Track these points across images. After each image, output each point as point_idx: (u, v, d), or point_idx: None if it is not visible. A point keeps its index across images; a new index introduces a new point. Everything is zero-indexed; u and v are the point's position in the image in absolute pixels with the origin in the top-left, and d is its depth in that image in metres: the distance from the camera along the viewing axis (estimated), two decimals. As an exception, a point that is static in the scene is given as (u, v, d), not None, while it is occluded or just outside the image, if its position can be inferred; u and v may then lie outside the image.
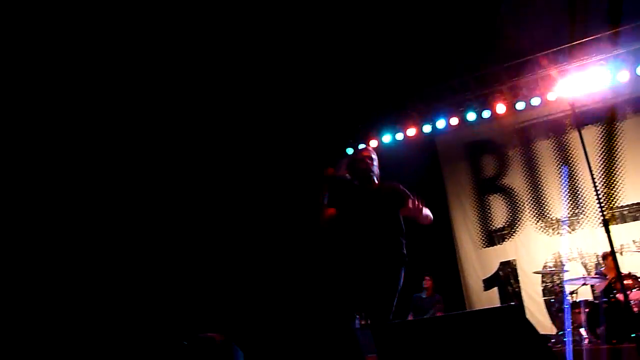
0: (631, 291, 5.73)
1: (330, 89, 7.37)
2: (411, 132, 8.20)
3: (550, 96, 7.39)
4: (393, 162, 8.25)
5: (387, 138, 8.29)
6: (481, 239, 8.12)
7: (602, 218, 3.53)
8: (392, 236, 3.47)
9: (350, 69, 7.10)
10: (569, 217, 7.55)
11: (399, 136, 8.27)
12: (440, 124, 8.02)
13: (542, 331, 6.99)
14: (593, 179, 3.63)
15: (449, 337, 3.01)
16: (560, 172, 7.71)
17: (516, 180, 8.02)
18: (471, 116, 7.84)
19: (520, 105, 7.60)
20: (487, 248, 8.04)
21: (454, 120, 7.97)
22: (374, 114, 8.32)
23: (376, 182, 3.64)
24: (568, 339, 5.42)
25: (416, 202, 3.34)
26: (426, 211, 3.47)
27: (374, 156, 3.73)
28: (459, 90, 7.82)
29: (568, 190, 7.62)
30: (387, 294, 3.35)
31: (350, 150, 8.17)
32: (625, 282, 5.81)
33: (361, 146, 4.12)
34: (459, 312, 2.98)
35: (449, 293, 7.84)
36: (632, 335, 4.77)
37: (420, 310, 7.50)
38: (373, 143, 8.41)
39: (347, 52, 6.84)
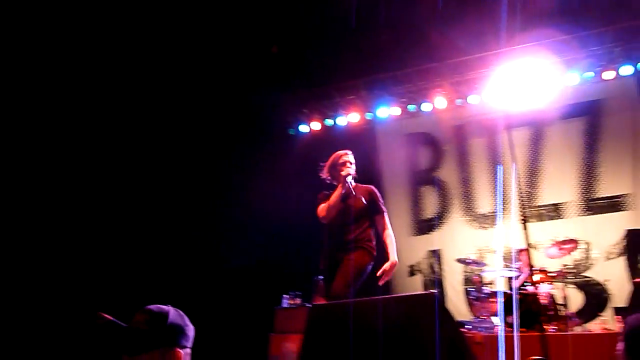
0: (541, 284, 6.22)
1: (275, 69, 7.33)
2: (354, 117, 8.32)
3: (486, 97, 7.74)
4: (334, 145, 8.42)
5: (329, 122, 8.40)
6: (411, 227, 8.43)
7: (521, 214, 3.76)
8: (364, 232, 4.04)
9: (298, 50, 7.08)
10: (493, 213, 8.00)
11: (342, 121, 8.38)
12: (383, 112, 8.19)
13: (459, 317, 7.42)
14: (517, 178, 3.85)
15: (371, 320, 3.14)
16: (491, 170, 8.11)
17: (449, 174, 8.37)
18: (411, 108, 8.08)
19: (458, 102, 7.93)
20: (415, 236, 8.36)
21: (396, 111, 8.17)
22: (319, 98, 8.36)
23: (353, 184, 4.07)
24: (501, 326, 5.76)
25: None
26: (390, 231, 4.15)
27: (352, 160, 4.17)
28: (403, 82, 8.00)
29: (495, 187, 8.05)
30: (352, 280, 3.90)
31: (292, 131, 8.23)
32: (536, 276, 6.29)
33: (341, 152, 4.33)
34: (383, 296, 3.12)
35: (376, 277, 8.08)
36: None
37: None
38: (315, 125, 8.47)
39: (293, 33, 6.81)
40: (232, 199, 7.89)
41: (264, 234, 7.88)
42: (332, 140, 8.45)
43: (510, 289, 6.68)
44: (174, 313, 1.79)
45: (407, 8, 6.63)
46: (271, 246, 7.99)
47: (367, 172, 8.51)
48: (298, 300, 6.71)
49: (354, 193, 4.03)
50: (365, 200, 4.07)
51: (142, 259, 6.59)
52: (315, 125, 8.49)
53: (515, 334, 5.65)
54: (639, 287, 5.15)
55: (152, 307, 1.78)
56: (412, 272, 8.23)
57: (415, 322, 3.14)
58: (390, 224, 8.38)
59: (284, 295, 6.90)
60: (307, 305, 5.97)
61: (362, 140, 8.63)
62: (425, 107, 8.05)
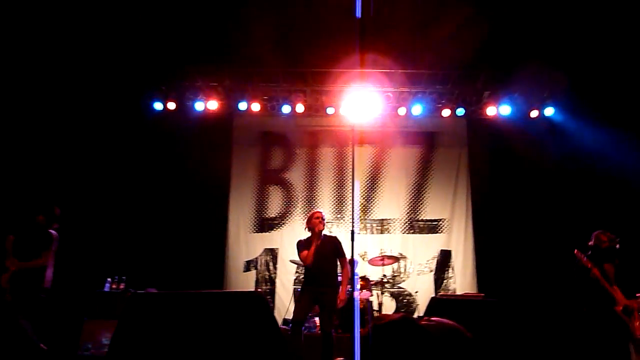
0: (362, 291, 6.74)
1: (140, 41, 6.91)
2: (212, 105, 8.15)
3: (342, 111, 8.20)
4: (188, 130, 8.17)
5: (189, 104, 8.12)
6: (253, 223, 8.50)
7: (354, 225, 4.04)
8: (332, 269, 5.36)
9: (166, 24, 6.74)
10: (331, 220, 8.46)
11: (200, 106, 8.14)
12: (243, 106, 8.16)
13: (286, 316, 7.69)
14: (353, 191, 4.15)
15: (194, 313, 3.11)
16: (336, 179, 8.57)
17: (297, 177, 8.64)
18: (272, 107, 8.20)
19: (316, 111, 8.29)
20: (255, 233, 8.46)
21: (256, 106, 8.20)
22: (179, 78, 8.02)
23: (322, 236, 5.40)
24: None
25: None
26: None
27: (325, 217, 5.52)
28: (268, 80, 8.06)
29: (337, 196, 8.53)
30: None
31: (157, 105, 8.10)
32: (359, 282, 6.80)
33: (317, 212, 5.57)
34: (209, 290, 3.10)
35: (212, 269, 8.01)
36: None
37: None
38: (171, 105, 8.11)
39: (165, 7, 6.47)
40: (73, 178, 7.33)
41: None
42: (184, 123, 8.19)
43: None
44: None
45: (289, 11, 6.71)
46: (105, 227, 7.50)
47: (218, 163, 8.46)
48: (122, 285, 6.33)
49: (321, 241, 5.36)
50: (331, 248, 5.37)
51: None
52: (171, 105, 8.12)
53: (356, 334, 6.06)
54: (434, 303, 5.92)
55: None
56: (248, 267, 8.30)
57: (239, 318, 3.18)
58: (233, 218, 8.48)
59: (108, 279, 6.46)
60: (132, 291, 5.66)
61: (217, 130, 8.51)
62: (285, 108, 8.22)
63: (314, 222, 5.42)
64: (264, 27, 6.82)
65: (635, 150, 7.14)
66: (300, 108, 8.20)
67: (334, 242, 5.42)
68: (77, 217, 7.29)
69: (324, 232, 5.44)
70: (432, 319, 1.69)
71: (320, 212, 5.56)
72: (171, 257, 7.67)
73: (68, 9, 6.27)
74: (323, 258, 5.27)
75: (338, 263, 5.39)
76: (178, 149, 8.16)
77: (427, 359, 1.33)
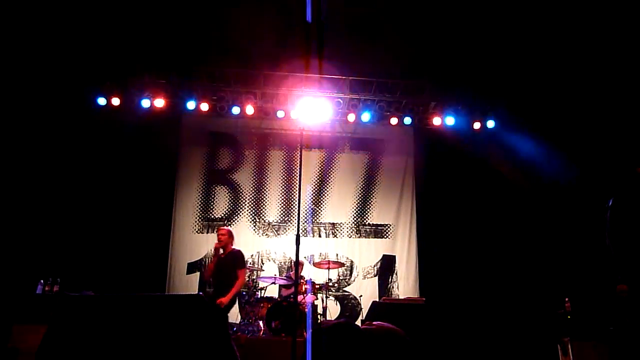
0: (306, 294, 6.76)
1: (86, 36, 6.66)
2: (159, 102, 7.95)
3: (292, 114, 8.23)
4: (133, 127, 7.91)
5: (135, 100, 7.88)
6: (197, 224, 8.34)
7: (299, 228, 4.05)
8: (232, 281, 5.85)
9: (115, 19, 6.52)
10: (278, 223, 8.44)
11: (146, 103, 7.91)
12: (191, 105, 8.01)
13: (229, 319, 7.57)
14: (299, 195, 4.16)
15: (132, 317, 3.00)
16: (284, 182, 8.56)
17: (244, 178, 8.57)
18: (222, 108, 8.10)
19: (266, 113, 8.27)
20: (200, 234, 8.30)
21: (205, 106, 8.08)
22: (125, 73, 7.77)
23: (226, 250, 6.03)
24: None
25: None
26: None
27: (231, 234, 6.14)
28: (218, 80, 7.96)
29: (284, 199, 8.52)
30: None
31: (101, 100, 7.83)
32: (303, 287, 6.82)
33: (222, 229, 6.20)
34: (149, 293, 3.00)
35: (154, 271, 7.78)
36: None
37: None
38: (115, 101, 7.84)
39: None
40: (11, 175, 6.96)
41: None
42: (129, 120, 7.92)
43: (280, 296, 7.10)
44: None
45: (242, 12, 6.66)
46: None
47: (164, 162, 8.24)
48: (56, 288, 6.03)
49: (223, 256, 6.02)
50: (232, 261, 5.96)
51: None
52: (115, 101, 7.84)
53: (273, 338, 6.04)
54: (376, 306, 6.03)
55: None
56: (192, 269, 8.13)
57: (180, 322, 3.11)
58: (177, 219, 8.28)
59: (41, 281, 6.14)
60: (68, 294, 5.40)
61: (164, 128, 8.29)
62: (235, 109, 8.14)
63: (220, 237, 6.03)
64: (215, 26, 6.75)
65: (564, 159, 7.63)
66: (250, 110, 8.14)
67: (234, 256, 6.00)
68: (9, 215, 6.94)
69: (232, 247, 6.05)
70: (373, 323, 1.73)
71: (223, 229, 6.14)
72: (111, 259, 7.39)
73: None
74: (221, 271, 5.89)
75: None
76: (122, 147, 7.88)
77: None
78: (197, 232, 8.31)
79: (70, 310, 2.92)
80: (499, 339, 5.58)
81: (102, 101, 7.82)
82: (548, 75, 7.37)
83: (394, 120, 8.50)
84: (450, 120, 8.45)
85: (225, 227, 6.24)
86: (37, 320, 5.27)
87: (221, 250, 6.04)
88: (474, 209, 8.37)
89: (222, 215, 8.41)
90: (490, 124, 8.51)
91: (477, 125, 8.52)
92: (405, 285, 8.38)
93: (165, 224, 8.15)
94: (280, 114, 8.27)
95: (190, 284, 8.03)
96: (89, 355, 2.88)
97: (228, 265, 5.94)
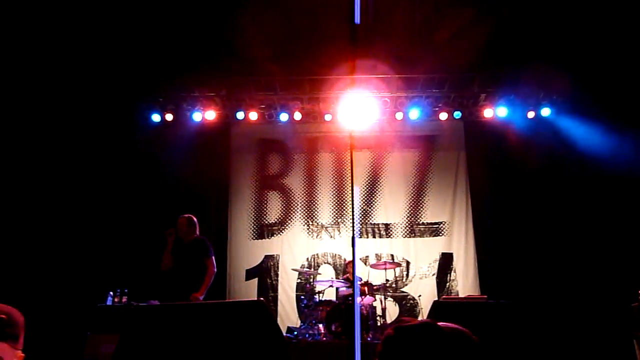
0: (365, 296, 6.72)
1: (137, 52, 6.96)
2: (210, 115, 8.17)
3: (340, 117, 8.23)
4: (186, 140, 8.17)
5: (187, 115, 8.16)
6: (253, 230, 8.49)
7: (354, 230, 4.05)
8: (199, 273, 5.33)
9: (163, 36, 6.79)
10: (332, 225, 8.46)
11: (197, 116, 8.16)
12: (240, 115, 8.18)
13: (289, 323, 7.66)
14: (353, 196, 4.16)
15: (196, 324, 3.09)
16: (335, 184, 8.59)
17: (295, 182, 8.65)
18: (270, 115, 8.23)
19: (314, 118, 8.32)
20: (256, 240, 8.44)
21: (254, 115, 8.23)
22: (177, 89, 8.05)
23: (187, 239, 5.55)
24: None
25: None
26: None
27: (192, 222, 5.63)
28: (265, 89, 8.09)
29: (336, 201, 8.54)
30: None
31: (155, 117, 8.15)
32: (361, 288, 6.79)
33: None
34: (211, 301, 3.08)
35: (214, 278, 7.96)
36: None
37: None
38: (169, 116, 8.13)
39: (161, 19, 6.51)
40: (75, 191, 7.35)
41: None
42: (182, 133, 8.19)
43: (338, 299, 7.10)
44: None
45: (285, 19, 6.75)
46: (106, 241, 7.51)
47: (217, 172, 8.46)
48: (124, 299, 6.30)
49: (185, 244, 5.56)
50: (196, 250, 5.44)
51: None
52: (169, 116, 8.13)
53: (335, 341, 6.04)
54: (437, 306, 5.87)
55: None
56: (250, 275, 8.28)
57: (241, 328, 3.17)
58: (233, 226, 8.45)
59: (110, 292, 6.43)
60: (135, 304, 5.62)
61: (215, 139, 8.51)
62: (283, 116, 8.25)
63: (179, 225, 5.56)
64: (260, 36, 6.86)
65: (636, 147, 7.16)
66: (297, 115, 8.22)
67: (198, 244, 5.49)
68: (79, 231, 7.32)
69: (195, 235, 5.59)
70: (439, 324, 1.69)
71: (181, 217, 5.62)
72: (172, 268, 7.65)
73: (66, 20, 6.30)
74: (185, 262, 5.40)
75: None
76: (176, 159, 8.14)
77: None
78: (252, 238, 8.46)
79: (139, 319, 3.04)
80: (570, 335, 5.33)
81: (156, 118, 8.13)
82: (607, 52, 6.92)
83: (443, 116, 8.33)
84: (502, 112, 8.17)
85: (184, 215, 5.68)
86: (108, 329, 5.53)
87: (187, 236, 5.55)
88: (533, 201, 8.04)
89: (276, 220, 8.53)
90: (545, 112, 8.16)
91: (531, 115, 8.20)
92: (464, 283, 8.17)
93: (222, 232, 8.34)
94: (327, 117, 8.30)
95: (250, 290, 8.17)
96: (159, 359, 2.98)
97: (192, 255, 5.38)
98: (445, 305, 5.98)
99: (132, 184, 7.98)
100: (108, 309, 6.03)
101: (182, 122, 8.20)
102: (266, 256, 8.36)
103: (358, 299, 6.64)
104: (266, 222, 8.53)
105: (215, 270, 5.48)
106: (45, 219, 7.20)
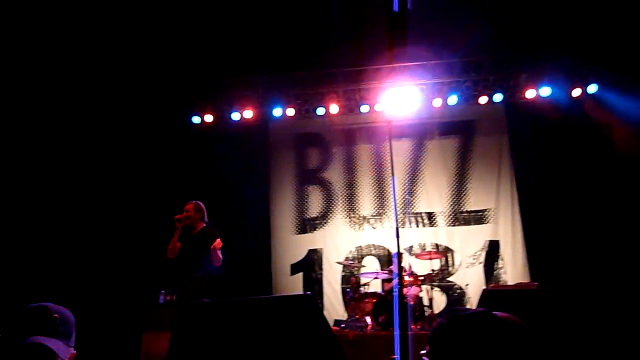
0: (410, 287, 6.66)
1: (174, 56, 7.11)
2: (248, 113, 8.26)
3: (377, 107, 8.15)
4: (225, 141, 8.30)
5: (226, 115, 8.28)
6: (295, 225, 8.56)
7: (397, 221, 4.00)
8: (205, 260, 5.26)
9: (198, 39, 6.90)
10: (374, 216, 8.42)
11: (236, 116, 8.27)
12: (277, 112, 8.23)
13: (335, 316, 7.70)
14: (394, 186, 4.10)
15: (245, 320, 3.14)
16: (375, 175, 8.53)
17: (335, 175, 8.64)
18: (306, 110, 8.25)
19: (350, 110, 8.27)
20: (299, 235, 8.51)
21: (290, 111, 8.26)
22: (214, 90, 8.18)
23: (196, 228, 5.47)
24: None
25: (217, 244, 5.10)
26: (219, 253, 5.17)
27: (199, 208, 5.49)
28: (300, 84, 8.10)
29: (377, 192, 8.48)
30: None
31: (195, 119, 8.29)
32: (406, 279, 6.72)
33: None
34: (258, 297, 3.14)
35: (258, 275, 8.10)
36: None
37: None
38: (208, 118, 8.26)
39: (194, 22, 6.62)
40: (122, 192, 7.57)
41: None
42: (223, 134, 8.33)
43: (384, 290, 7.07)
44: None
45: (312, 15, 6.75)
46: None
47: (257, 170, 8.56)
48: (175, 297, 6.48)
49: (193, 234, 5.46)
50: (206, 240, 5.26)
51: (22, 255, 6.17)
52: (208, 118, 8.27)
53: (383, 333, 6.02)
54: (487, 294, 5.72)
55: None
56: (294, 270, 8.36)
57: (289, 323, 3.20)
58: (275, 222, 8.54)
59: (162, 291, 6.63)
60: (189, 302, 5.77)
61: (254, 137, 8.61)
62: (319, 110, 8.25)
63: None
64: (294, 32, 6.88)
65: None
66: (334, 109, 8.19)
67: (208, 234, 5.31)
68: (133, 234, 7.57)
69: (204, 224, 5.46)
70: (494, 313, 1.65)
71: (189, 203, 5.46)
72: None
73: (103, 26, 6.49)
74: (195, 252, 5.27)
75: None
76: (218, 158, 8.29)
77: (499, 352, 1.31)
78: (295, 233, 8.52)
79: (191, 316, 3.13)
80: (623, 324, 5.10)
81: (196, 119, 8.29)
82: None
83: (483, 100, 8.09)
84: (545, 91, 7.85)
85: (191, 202, 5.52)
86: (162, 327, 5.71)
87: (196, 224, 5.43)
88: (582, 184, 7.72)
89: (318, 214, 8.56)
90: (592, 88, 7.79)
91: (576, 92, 7.85)
92: (513, 271, 7.96)
93: (265, 228, 8.45)
94: (364, 108, 8.23)
95: (295, 285, 8.26)
96: (212, 357, 3.05)
97: (202, 245, 5.25)
98: (496, 293, 5.83)
99: (179, 185, 8.17)
100: (161, 307, 6.22)
101: (222, 123, 8.33)
102: (310, 250, 8.41)
103: (412, 290, 6.59)
104: (308, 216, 8.57)
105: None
106: (101, 220, 7.45)
